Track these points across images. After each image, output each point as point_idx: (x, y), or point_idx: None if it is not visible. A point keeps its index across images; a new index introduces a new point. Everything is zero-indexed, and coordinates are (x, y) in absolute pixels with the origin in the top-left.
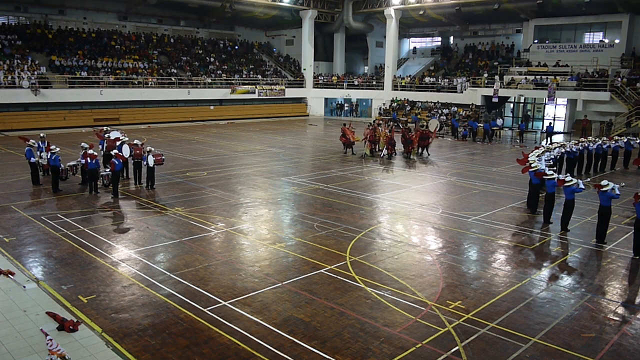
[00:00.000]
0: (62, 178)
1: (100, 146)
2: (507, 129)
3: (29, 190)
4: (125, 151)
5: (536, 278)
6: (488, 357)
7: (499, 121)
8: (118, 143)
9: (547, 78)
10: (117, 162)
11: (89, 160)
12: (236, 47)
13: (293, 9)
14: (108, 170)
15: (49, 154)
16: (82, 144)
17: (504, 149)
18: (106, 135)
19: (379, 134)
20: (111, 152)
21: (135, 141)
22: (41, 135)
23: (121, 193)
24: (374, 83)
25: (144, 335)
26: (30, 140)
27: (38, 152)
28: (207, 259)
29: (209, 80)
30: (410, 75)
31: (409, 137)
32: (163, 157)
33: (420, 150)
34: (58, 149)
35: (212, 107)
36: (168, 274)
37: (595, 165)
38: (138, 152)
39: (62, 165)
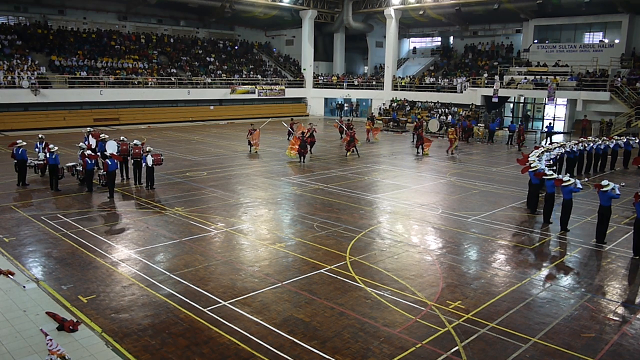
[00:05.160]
0: (58, 177)
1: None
2: (506, 129)
3: (29, 190)
4: (112, 147)
5: (536, 278)
6: (488, 357)
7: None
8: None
9: (547, 78)
10: (110, 162)
11: (88, 161)
12: (236, 47)
13: (293, 9)
14: (103, 170)
15: (47, 153)
16: (80, 144)
17: (504, 149)
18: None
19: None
20: (105, 153)
21: (135, 141)
22: (40, 136)
23: (121, 193)
24: (374, 83)
25: (144, 335)
26: (18, 141)
27: (36, 151)
28: (207, 259)
29: (209, 80)
30: (410, 75)
31: (419, 133)
32: (162, 157)
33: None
34: (56, 148)
35: (212, 107)
36: (168, 274)
37: (595, 165)
38: (137, 151)
39: (59, 164)
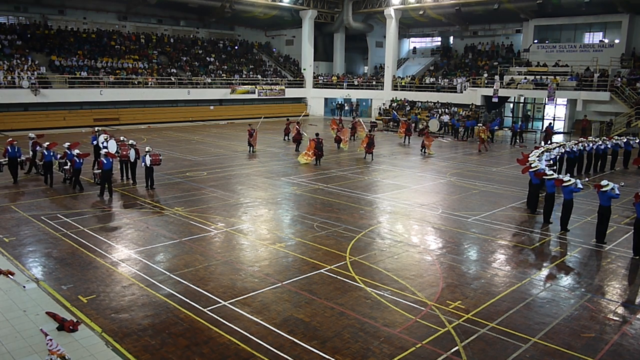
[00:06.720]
0: (40, 173)
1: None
2: (506, 129)
3: (29, 190)
4: (111, 146)
5: (536, 278)
6: (488, 357)
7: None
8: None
9: (547, 78)
10: (105, 161)
11: (77, 160)
12: (236, 47)
13: (293, 9)
14: (97, 169)
15: (45, 151)
16: (66, 144)
17: (504, 149)
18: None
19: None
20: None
21: (131, 141)
22: (30, 135)
23: (121, 193)
24: (374, 83)
25: (144, 335)
26: (9, 139)
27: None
28: (207, 259)
29: (209, 80)
30: (410, 75)
31: (424, 133)
32: (160, 157)
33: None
34: (46, 144)
35: (212, 107)
36: (168, 274)
37: (595, 165)
38: (125, 153)
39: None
